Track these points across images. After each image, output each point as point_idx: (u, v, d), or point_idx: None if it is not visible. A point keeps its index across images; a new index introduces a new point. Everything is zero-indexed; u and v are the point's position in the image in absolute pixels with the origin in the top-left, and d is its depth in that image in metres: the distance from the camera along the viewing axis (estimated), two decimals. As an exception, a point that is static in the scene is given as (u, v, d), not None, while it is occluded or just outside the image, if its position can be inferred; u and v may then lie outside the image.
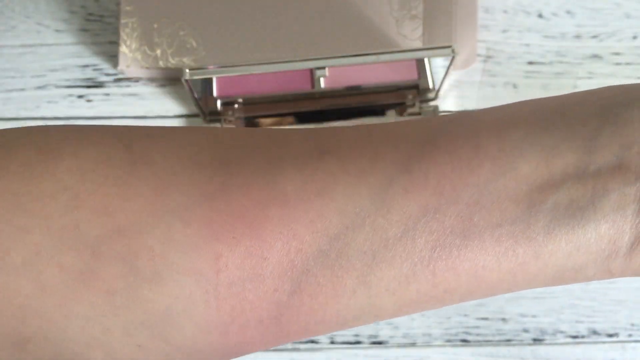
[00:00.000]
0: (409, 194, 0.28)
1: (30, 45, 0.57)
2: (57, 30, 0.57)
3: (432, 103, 0.56)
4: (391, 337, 0.56)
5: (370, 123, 0.31)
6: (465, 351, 0.56)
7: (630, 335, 0.56)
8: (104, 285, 0.28)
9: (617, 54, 0.57)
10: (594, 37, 0.57)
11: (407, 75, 0.54)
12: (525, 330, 0.56)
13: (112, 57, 0.57)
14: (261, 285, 0.28)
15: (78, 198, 0.28)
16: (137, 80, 0.57)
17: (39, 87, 0.57)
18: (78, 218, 0.28)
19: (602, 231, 0.28)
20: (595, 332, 0.56)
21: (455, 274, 0.29)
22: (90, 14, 0.58)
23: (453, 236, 0.28)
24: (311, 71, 0.50)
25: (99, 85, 0.57)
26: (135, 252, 0.28)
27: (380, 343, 0.56)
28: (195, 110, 0.56)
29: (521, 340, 0.56)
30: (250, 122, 0.56)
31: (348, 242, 0.28)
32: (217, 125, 0.55)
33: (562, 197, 0.28)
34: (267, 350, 0.55)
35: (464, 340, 0.56)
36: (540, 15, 0.58)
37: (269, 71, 0.48)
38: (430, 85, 0.55)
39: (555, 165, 0.28)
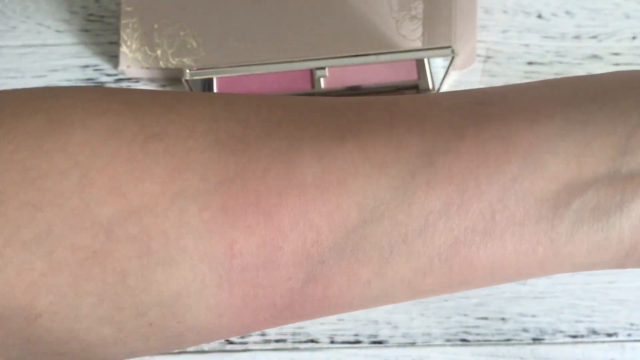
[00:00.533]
0: (431, 190, 0.27)
1: (31, 46, 0.57)
2: (57, 31, 0.57)
3: (432, 103, 0.56)
4: (391, 336, 0.56)
5: (394, 97, 0.30)
6: (465, 350, 0.56)
7: (629, 335, 0.56)
8: (118, 265, 0.27)
9: (616, 54, 0.57)
10: (594, 37, 0.58)
11: (406, 75, 0.55)
12: (525, 330, 0.56)
13: (113, 58, 0.57)
14: (275, 273, 0.28)
15: (89, 175, 0.27)
16: (137, 80, 0.57)
17: (40, 88, 0.57)
18: (90, 197, 0.27)
19: (625, 236, 0.28)
20: (594, 332, 0.56)
21: (472, 269, 0.28)
22: (90, 15, 0.58)
23: (473, 233, 0.28)
24: (311, 71, 0.50)
25: (99, 85, 0.57)
26: (149, 234, 0.27)
27: (380, 343, 0.56)
28: (195, 110, 0.56)
29: (521, 340, 0.56)
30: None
31: (366, 235, 0.28)
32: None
33: (590, 199, 0.27)
34: (266, 349, 0.55)
35: (464, 340, 0.56)
36: (539, 16, 0.58)
37: (269, 71, 0.48)
38: (430, 86, 0.55)
39: (586, 164, 0.27)
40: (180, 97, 0.29)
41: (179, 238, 0.27)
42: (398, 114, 0.29)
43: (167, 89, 0.57)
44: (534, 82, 0.30)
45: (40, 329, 0.28)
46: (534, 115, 0.28)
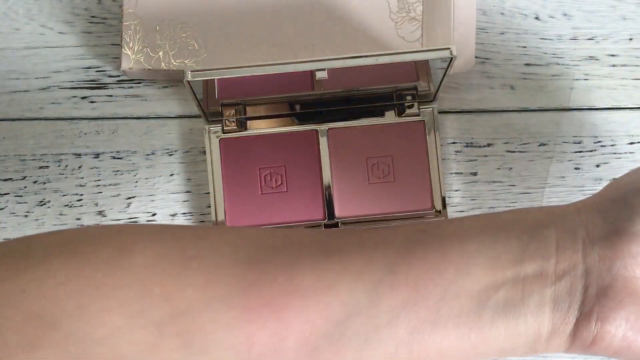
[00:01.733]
0: (394, 291, 0.37)
1: (34, 47, 0.58)
2: (60, 33, 0.58)
3: (430, 104, 0.56)
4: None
5: (363, 229, 0.41)
6: (463, 349, 0.57)
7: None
8: (167, 356, 0.36)
9: (613, 55, 0.58)
10: (590, 39, 0.58)
11: (405, 77, 0.55)
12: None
13: (115, 59, 0.58)
14: (282, 356, 0.37)
15: (147, 288, 0.36)
16: (139, 81, 0.58)
17: (43, 89, 0.57)
18: (147, 303, 0.36)
19: (529, 323, 0.38)
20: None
21: (426, 352, 0.38)
22: (93, 17, 0.58)
23: (425, 324, 0.37)
24: (311, 73, 0.50)
25: (102, 86, 0.58)
26: (190, 330, 0.36)
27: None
28: (197, 111, 0.57)
29: (518, 338, 0.57)
30: (251, 122, 0.56)
31: (348, 326, 0.37)
32: (219, 125, 0.56)
33: (502, 296, 0.38)
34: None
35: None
36: (537, 18, 0.58)
37: (269, 73, 0.49)
38: (429, 87, 0.55)
39: (497, 272, 0.38)
40: (208, 230, 0.40)
41: (212, 332, 0.36)
42: (367, 237, 0.39)
43: (169, 89, 0.58)
44: (462, 217, 0.42)
45: None
46: (460, 238, 0.39)
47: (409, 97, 0.56)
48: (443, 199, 0.55)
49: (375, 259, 0.38)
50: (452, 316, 0.37)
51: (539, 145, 0.57)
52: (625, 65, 0.58)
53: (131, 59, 0.55)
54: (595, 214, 0.39)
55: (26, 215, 0.57)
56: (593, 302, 0.38)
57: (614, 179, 0.42)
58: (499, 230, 0.39)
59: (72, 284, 0.36)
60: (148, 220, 0.56)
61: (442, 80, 0.53)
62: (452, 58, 0.49)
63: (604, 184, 0.53)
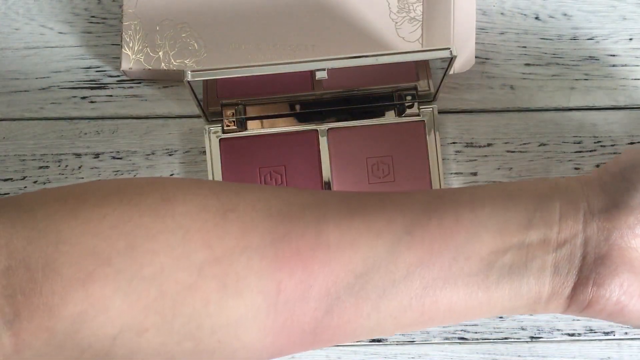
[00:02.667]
0: (411, 250, 0.41)
1: (34, 47, 0.58)
2: (60, 33, 0.58)
3: (430, 104, 0.56)
4: (390, 335, 0.56)
5: (383, 191, 0.44)
6: (463, 349, 0.57)
7: (626, 334, 0.57)
8: (204, 295, 0.39)
9: (613, 55, 0.58)
10: (590, 39, 0.58)
11: (405, 77, 0.55)
12: (523, 329, 0.57)
13: (115, 59, 0.58)
14: (306, 304, 0.41)
15: (189, 234, 0.40)
16: (139, 81, 0.58)
17: (43, 89, 0.57)
18: (189, 248, 0.40)
19: (531, 285, 0.42)
20: (591, 330, 0.57)
21: (436, 307, 0.42)
22: (93, 17, 0.58)
23: (437, 280, 0.41)
24: (311, 73, 0.50)
25: (102, 86, 0.58)
26: (226, 274, 0.40)
27: (379, 341, 0.57)
28: (197, 111, 0.57)
29: (518, 338, 0.57)
30: (251, 122, 0.56)
31: (368, 279, 0.41)
32: (219, 125, 0.56)
33: (507, 260, 0.41)
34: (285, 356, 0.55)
35: (462, 338, 0.57)
36: (537, 18, 0.58)
37: (269, 73, 0.49)
38: (429, 87, 0.55)
39: (505, 237, 0.41)
40: (243, 186, 0.43)
41: (246, 277, 0.40)
42: (388, 201, 0.43)
43: (169, 89, 0.58)
44: (474, 186, 0.46)
45: (144, 342, 0.39)
46: (472, 205, 0.42)
47: (409, 97, 0.56)
48: (443, 199, 0.55)
49: (395, 220, 0.42)
50: (462, 275, 0.41)
51: (539, 145, 0.57)
52: (625, 65, 0.58)
53: (131, 59, 0.55)
54: (597, 187, 0.43)
55: (26, 215, 0.57)
56: (590, 268, 0.42)
57: (617, 154, 0.44)
58: (509, 199, 0.42)
59: (123, 227, 0.39)
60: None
61: (442, 80, 0.53)
62: (452, 58, 0.49)
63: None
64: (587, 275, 0.42)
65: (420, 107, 0.56)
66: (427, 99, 0.56)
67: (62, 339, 0.39)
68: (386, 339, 0.56)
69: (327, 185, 0.56)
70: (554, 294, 0.42)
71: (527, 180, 0.47)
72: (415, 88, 0.55)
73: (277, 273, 0.40)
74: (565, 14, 0.58)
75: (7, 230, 0.39)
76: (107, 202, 0.40)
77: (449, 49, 0.48)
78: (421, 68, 0.55)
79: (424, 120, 0.56)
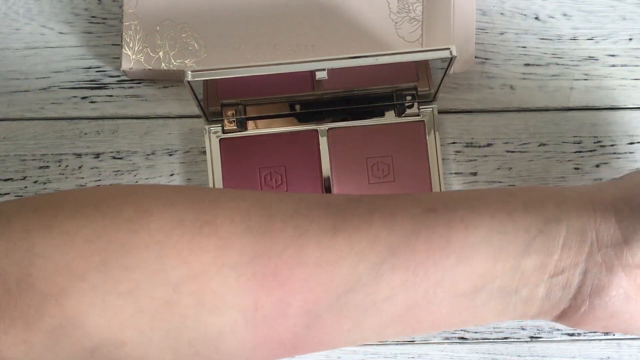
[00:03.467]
0: (395, 273, 0.40)
1: (34, 48, 0.58)
2: (60, 33, 0.58)
3: (430, 104, 0.56)
4: (390, 334, 0.56)
5: (374, 194, 0.43)
6: (463, 349, 0.57)
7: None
8: (181, 311, 0.39)
9: (612, 55, 0.58)
10: (590, 39, 0.58)
11: (405, 77, 0.55)
12: (523, 328, 0.57)
13: (115, 59, 0.58)
14: (285, 321, 0.40)
15: (164, 249, 0.39)
16: (139, 81, 0.58)
17: (43, 89, 0.58)
18: (165, 264, 0.39)
19: (518, 307, 0.40)
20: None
21: (420, 325, 0.41)
22: (93, 17, 0.58)
23: (421, 302, 0.40)
24: (311, 73, 0.50)
25: (102, 86, 0.58)
26: (203, 291, 0.39)
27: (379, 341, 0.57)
28: (197, 111, 0.57)
29: (518, 338, 0.57)
30: (251, 122, 0.56)
31: (349, 299, 0.40)
32: (219, 125, 0.56)
33: (497, 285, 0.40)
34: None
35: (462, 338, 0.57)
36: (537, 18, 0.58)
37: (269, 73, 0.49)
38: (429, 87, 0.55)
39: (497, 262, 0.39)
40: (223, 193, 0.42)
41: (223, 295, 0.39)
42: (377, 214, 0.41)
43: (169, 90, 0.58)
44: (471, 191, 0.43)
45: (123, 354, 0.39)
46: (467, 226, 0.40)
47: (408, 97, 0.56)
48: (443, 199, 0.55)
49: (380, 239, 0.40)
50: (447, 296, 0.40)
51: (539, 145, 0.58)
52: (625, 66, 0.58)
53: (131, 59, 0.55)
54: (610, 217, 0.40)
55: (26, 215, 0.57)
56: (585, 298, 0.40)
57: (637, 169, 0.42)
58: (509, 220, 0.40)
59: (97, 241, 0.39)
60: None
61: (442, 81, 0.53)
62: (452, 58, 0.49)
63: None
64: (580, 304, 0.40)
65: (420, 107, 0.56)
66: (427, 99, 0.56)
67: (40, 351, 0.39)
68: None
69: (327, 185, 0.56)
70: (540, 313, 0.41)
71: (534, 193, 0.42)
72: (415, 88, 0.56)
73: (255, 291, 0.39)
74: (565, 14, 0.58)
75: None
76: (82, 213, 0.39)
77: (449, 49, 0.48)
78: (421, 68, 0.55)
79: (424, 120, 0.56)
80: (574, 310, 0.40)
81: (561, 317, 0.41)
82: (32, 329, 0.38)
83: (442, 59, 0.49)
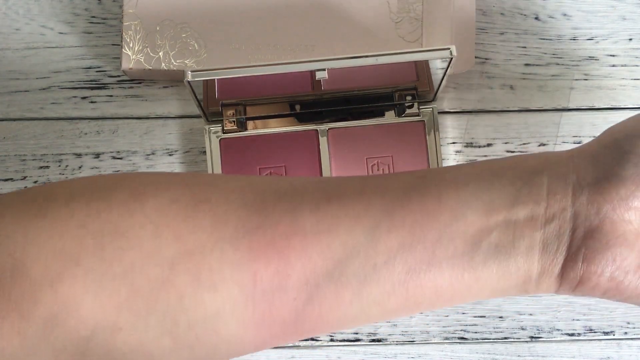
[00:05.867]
0: (391, 234, 0.39)
1: (34, 48, 0.58)
2: (60, 33, 0.58)
3: (430, 104, 0.56)
4: (390, 334, 0.56)
5: (363, 177, 0.42)
6: (463, 348, 0.57)
7: (625, 333, 0.57)
8: (178, 290, 0.38)
9: (612, 55, 0.58)
10: (590, 39, 0.58)
11: (405, 76, 0.55)
12: (522, 328, 0.57)
13: (115, 59, 0.58)
14: (285, 294, 0.39)
15: (159, 228, 0.38)
16: (139, 81, 0.58)
17: (43, 89, 0.58)
18: (160, 243, 0.38)
19: (519, 264, 0.39)
20: (591, 330, 0.57)
21: (421, 291, 0.40)
22: (93, 17, 0.58)
23: (421, 264, 0.39)
24: (311, 73, 0.50)
25: (102, 86, 0.58)
26: (199, 268, 0.38)
27: (379, 341, 0.57)
28: (197, 111, 0.57)
29: (518, 338, 0.57)
30: (251, 122, 0.56)
31: (347, 265, 0.39)
32: (219, 125, 0.56)
33: (494, 239, 0.39)
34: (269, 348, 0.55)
35: (462, 338, 0.57)
36: (537, 18, 0.58)
37: (269, 73, 0.49)
38: (429, 87, 0.55)
39: (490, 215, 0.39)
40: (217, 177, 0.42)
41: (220, 270, 0.38)
42: (367, 184, 0.41)
43: (169, 89, 0.58)
44: (460, 164, 0.44)
45: (119, 341, 0.38)
46: (457, 183, 0.40)
47: (408, 97, 0.56)
48: (443, 199, 0.55)
49: (374, 203, 0.40)
50: (446, 257, 0.39)
51: (539, 145, 0.58)
52: (624, 66, 0.58)
53: (131, 59, 0.56)
54: (587, 159, 0.40)
55: (26, 215, 0.57)
56: (580, 243, 0.39)
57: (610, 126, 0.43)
58: (494, 176, 0.40)
59: (91, 225, 0.38)
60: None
61: (442, 81, 0.53)
62: (452, 58, 0.49)
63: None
64: (576, 250, 0.39)
65: (420, 107, 0.56)
66: (427, 99, 0.56)
67: (35, 342, 0.38)
68: (386, 339, 0.56)
69: (327, 185, 0.56)
70: (543, 272, 0.40)
71: (516, 155, 0.44)
72: (415, 88, 0.56)
73: (253, 264, 0.39)
74: (565, 14, 0.58)
75: None
76: (75, 200, 0.39)
77: (449, 49, 0.48)
78: (421, 68, 0.55)
79: (424, 121, 0.56)
80: (573, 261, 0.39)
81: (564, 276, 0.40)
82: (27, 320, 0.37)
83: (442, 59, 0.49)
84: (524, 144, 0.57)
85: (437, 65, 0.57)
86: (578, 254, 0.39)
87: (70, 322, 0.38)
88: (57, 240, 0.38)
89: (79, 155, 0.57)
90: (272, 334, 0.40)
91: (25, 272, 0.38)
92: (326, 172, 0.56)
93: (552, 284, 0.40)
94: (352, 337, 0.56)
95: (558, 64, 0.58)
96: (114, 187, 0.40)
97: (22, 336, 0.38)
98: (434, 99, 0.56)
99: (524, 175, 0.40)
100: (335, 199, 0.40)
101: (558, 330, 0.57)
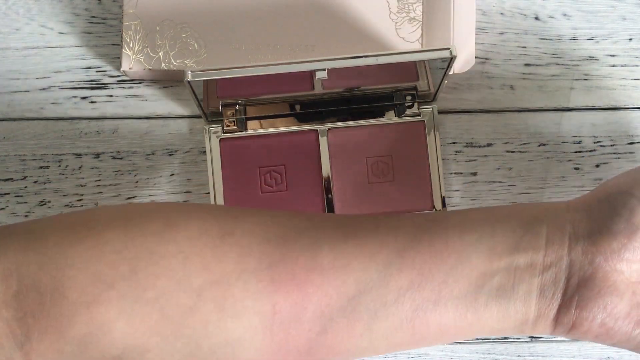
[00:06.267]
0: (402, 273, 0.43)
1: (34, 48, 0.58)
2: (60, 33, 0.58)
3: (430, 104, 0.56)
4: (390, 334, 0.56)
5: (376, 218, 0.46)
6: (463, 349, 0.57)
7: (625, 333, 0.57)
8: (203, 317, 0.41)
9: (612, 55, 0.58)
10: (590, 39, 0.58)
11: (405, 77, 0.55)
12: (522, 328, 0.57)
13: (115, 59, 0.58)
14: (301, 325, 0.42)
15: (189, 258, 0.42)
16: (139, 81, 0.58)
17: (43, 89, 0.58)
18: (189, 271, 0.42)
19: (518, 308, 0.43)
20: (591, 330, 0.57)
21: (427, 328, 0.43)
22: (93, 17, 0.58)
23: (428, 302, 0.43)
24: (311, 73, 0.50)
25: (102, 86, 0.58)
26: (225, 296, 0.42)
27: (379, 341, 0.57)
28: (197, 111, 0.57)
29: (518, 338, 0.57)
30: (251, 122, 0.56)
31: (360, 301, 0.42)
32: (219, 125, 0.56)
33: (496, 283, 0.43)
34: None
35: (462, 338, 0.57)
36: (536, 18, 0.58)
37: (269, 73, 0.49)
38: (429, 87, 0.55)
39: (493, 260, 0.43)
40: (243, 211, 0.45)
41: (243, 299, 0.42)
42: (380, 224, 0.45)
43: (169, 90, 0.58)
44: (466, 209, 0.47)
45: None
46: (462, 229, 0.44)
47: (408, 97, 0.56)
48: (443, 199, 0.55)
49: (387, 243, 0.43)
50: (451, 297, 0.43)
51: (539, 145, 0.58)
52: (624, 66, 0.58)
53: (131, 59, 0.56)
54: (583, 212, 0.44)
55: (27, 216, 0.57)
56: (574, 291, 0.43)
57: (605, 180, 0.46)
58: (497, 223, 0.44)
59: (126, 252, 0.41)
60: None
61: (442, 81, 0.53)
62: (452, 58, 0.49)
63: (604, 183, 0.53)
64: (570, 297, 0.43)
65: (420, 107, 0.56)
66: (427, 99, 0.56)
67: (70, 359, 0.41)
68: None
69: (327, 185, 0.56)
70: (540, 316, 0.43)
71: (516, 204, 0.49)
72: (415, 88, 0.56)
73: (273, 295, 0.42)
74: (565, 14, 0.58)
75: (19, 256, 0.41)
76: (111, 228, 0.42)
77: (449, 49, 0.48)
78: (421, 68, 0.55)
79: (423, 121, 0.56)
80: (567, 307, 0.43)
81: (558, 320, 0.43)
82: (64, 337, 0.40)
83: (442, 59, 0.49)
84: (524, 144, 0.57)
85: (437, 65, 0.57)
86: (572, 301, 0.43)
87: (103, 341, 0.41)
88: (95, 265, 0.41)
89: (79, 155, 0.57)
90: None
91: (64, 294, 0.41)
92: (326, 172, 0.56)
93: (547, 326, 0.44)
94: (352, 337, 0.56)
95: (558, 64, 0.58)
96: (148, 217, 0.43)
97: (58, 353, 0.41)
98: (434, 99, 0.56)
99: (524, 224, 0.44)
100: (352, 237, 0.44)
101: (558, 330, 0.57)
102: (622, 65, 0.58)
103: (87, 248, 0.41)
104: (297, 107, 0.57)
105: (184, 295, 0.41)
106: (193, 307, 0.41)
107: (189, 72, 0.48)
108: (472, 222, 0.44)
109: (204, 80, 0.49)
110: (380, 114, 0.56)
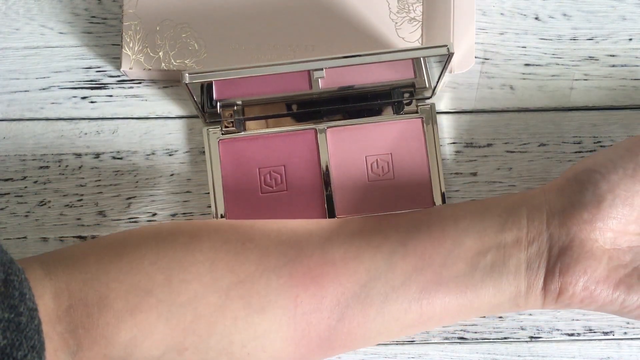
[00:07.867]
0: (406, 259, 0.49)
1: (34, 47, 0.58)
2: (60, 33, 0.58)
3: (428, 101, 0.56)
4: (389, 334, 0.56)
5: (377, 216, 0.51)
6: (463, 349, 0.57)
7: (625, 333, 0.56)
8: (232, 314, 0.47)
9: (612, 56, 0.58)
10: (590, 39, 0.58)
11: (403, 74, 0.55)
12: (522, 328, 0.57)
13: (115, 59, 0.58)
14: (320, 314, 0.48)
15: (215, 263, 0.48)
16: (139, 81, 0.58)
17: (43, 89, 0.58)
18: (216, 275, 0.47)
19: (510, 281, 0.49)
20: (591, 330, 0.56)
21: (432, 308, 0.49)
22: (93, 17, 0.58)
23: (431, 284, 0.49)
24: (309, 72, 0.50)
25: (102, 86, 0.58)
26: (250, 294, 0.47)
27: (378, 341, 0.57)
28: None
29: (518, 338, 0.57)
30: (250, 123, 0.56)
31: (372, 287, 0.48)
32: (217, 126, 0.56)
33: (489, 260, 0.49)
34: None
35: (462, 338, 0.57)
36: (536, 18, 0.58)
37: (267, 73, 0.49)
38: (427, 84, 0.55)
39: (484, 240, 0.49)
40: (256, 222, 0.51)
41: (267, 295, 0.47)
42: (382, 222, 0.51)
43: (169, 90, 0.58)
44: (457, 203, 0.54)
45: (185, 359, 0.47)
46: (455, 218, 0.50)
47: (406, 95, 0.56)
48: (443, 195, 0.55)
49: (390, 236, 0.50)
50: (451, 277, 0.49)
51: (539, 145, 0.57)
52: (624, 66, 0.58)
53: (131, 59, 0.56)
54: (556, 192, 0.50)
55: (26, 216, 0.57)
56: (556, 259, 0.48)
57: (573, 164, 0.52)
58: (486, 210, 0.50)
59: (160, 263, 0.47)
60: (148, 221, 0.57)
61: (440, 76, 0.53)
62: (449, 55, 0.49)
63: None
64: (553, 265, 0.48)
65: (418, 104, 0.56)
66: (425, 96, 0.56)
67: None
68: (386, 339, 0.56)
69: (327, 184, 0.56)
70: (530, 286, 0.49)
71: (502, 195, 0.56)
72: (412, 85, 0.56)
73: (294, 289, 0.48)
74: (564, 14, 0.58)
75: (67, 275, 0.46)
76: (145, 243, 0.48)
77: (447, 46, 0.48)
78: (419, 66, 0.55)
79: (422, 117, 0.56)
80: (551, 274, 0.48)
81: (546, 289, 0.48)
82: (112, 344, 0.45)
83: (441, 56, 0.49)
84: (524, 144, 0.57)
85: (437, 65, 0.57)
86: (555, 268, 0.48)
87: (146, 344, 0.46)
88: (133, 276, 0.46)
89: (79, 155, 0.57)
90: (310, 349, 0.49)
91: (109, 304, 0.45)
92: (325, 171, 0.56)
93: (537, 297, 0.49)
94: (351, 337, 0.56)
95: (558, 64, 0.58)
96: (176, 232, 0.49)
97: (107, 358, 0.46)
98: (432, 96, 0.56)
99: (508, 208, 0.50)
100: (357, 234, 0.50)
101: (558, 330, 0.56)
102: (622, 65, 0.58)
103: (126, 263, 0.47)
104: (295, 106, 0.57)
105: (214, 295, 0.47)
106: (222, 305, 0.47)
107: (187, 75, 0.48)
108: (464, 212, 0.50)
109: (201, 82, 0.49)
110: (379, 111, 0.56)
